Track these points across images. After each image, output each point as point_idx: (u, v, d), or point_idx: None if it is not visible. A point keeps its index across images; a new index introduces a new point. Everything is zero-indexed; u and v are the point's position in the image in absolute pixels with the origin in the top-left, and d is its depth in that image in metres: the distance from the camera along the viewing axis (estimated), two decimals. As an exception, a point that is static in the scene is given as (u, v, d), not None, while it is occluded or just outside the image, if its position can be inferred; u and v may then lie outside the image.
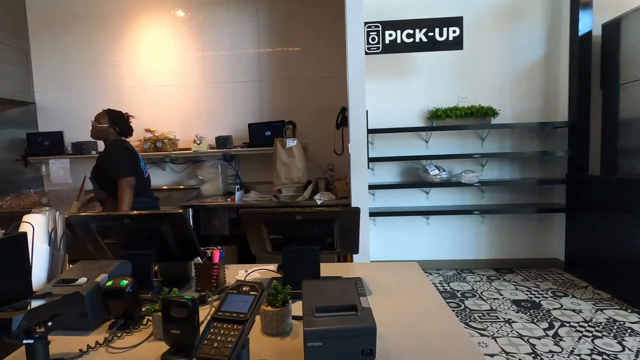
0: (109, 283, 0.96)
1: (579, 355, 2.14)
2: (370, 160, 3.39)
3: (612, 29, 3.09)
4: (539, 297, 2.94)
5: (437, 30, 3.19)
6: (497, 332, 2.43)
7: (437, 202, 3.67)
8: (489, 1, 3.48)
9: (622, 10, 2.96)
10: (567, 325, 2.49)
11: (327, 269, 1.25)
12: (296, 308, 0.97)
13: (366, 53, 3.15)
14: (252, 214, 1.17)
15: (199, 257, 1.24)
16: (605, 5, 3.20)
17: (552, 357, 2.13)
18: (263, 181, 3.60)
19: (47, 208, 1.17)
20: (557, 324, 2.51)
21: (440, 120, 3.52)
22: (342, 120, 3.17)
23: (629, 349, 2.18)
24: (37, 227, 1.07)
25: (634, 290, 2.71)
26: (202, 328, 0.70)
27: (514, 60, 3.53)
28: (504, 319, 2.61)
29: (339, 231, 1.16)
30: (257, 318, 0.95)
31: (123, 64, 3.72)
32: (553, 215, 3.59)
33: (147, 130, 3.57)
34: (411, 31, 3.20)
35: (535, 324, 2.52)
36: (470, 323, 2.56)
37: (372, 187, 3.42)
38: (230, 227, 3.15)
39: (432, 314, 1.01)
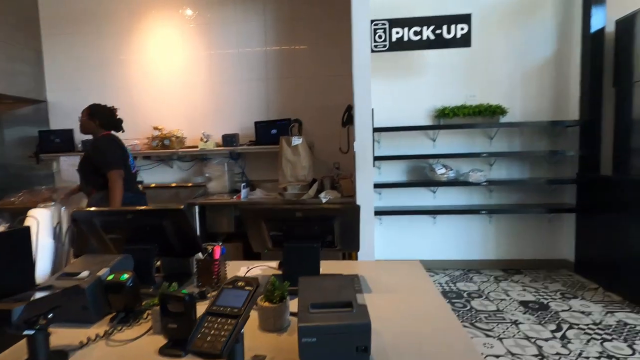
0: (110, 277, 0.98)
1: (587, 358, 2.10)
2: (377, 158, 3.38)
3: (626, 25, 3.02)
4: (547, 299, 2.89)
5: (444, 27, 3.15)
6: (503, 333, 2.40)
7: (444, 202, 3.63)
8: (499, -2, 3.43)
9: (636, 6, 2.88)
10: (576, 327, 2.45)
11: (329, 267, 1.25)
12: (294, 305, 0.96)
13: (372, 51, 3.13)
14: (252, 210, 1.18)
15: (200, 253, 1.24)
16: (619, 1, 3.12)
17: (559, 359, 2.10)
18: (269, 179, 3.60)
19: (53, 203, 1.19)
20: (565, 326, 2.46)
21: (448, 118, 3.48)
22: (348, 119, 3.16)
23: (640, 353, 2.13)
24: (41, 221, 1.09)
25: (646, 293, 2.65)
26: (197, 322, 0.71)
27: (524, 58, 3.47)
28: (511, 320, 2.57)
29: (339, 228, 1.15)
30: (255, 314, 0.96)
31: (132, 63, 3.77)
32: (563, 216, 3.52)
33: (155, 128, 3.60)
34: (418, 28, 3.17)
35: (543, 326, 2.47)
36: (475, 324, 2.53)
37: (378, 185, 3.41)
38: (236, 224, 3.17)
39: (431, 313, 1.00)
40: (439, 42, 3.19)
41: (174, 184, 3.80)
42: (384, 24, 3.16)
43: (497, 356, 2.14)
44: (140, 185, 3.52)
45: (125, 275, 0.97)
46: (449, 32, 3.15)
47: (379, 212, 3.41)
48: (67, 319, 0.96)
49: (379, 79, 3.48)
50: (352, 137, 2.85)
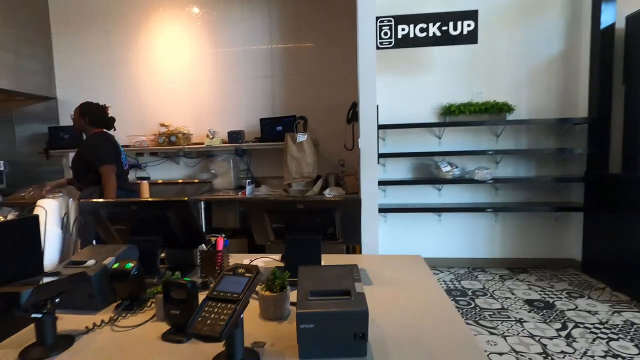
0: (116, 265, 1.00)
1: (592, 357, 2.08)
2: (382, 156, 3.37)
3: (637, 21, 2.97)
4: (553, 298, 2.87)
5: (451, 24, 3.13)
6: (507, 331, 2.38)
7: (449, 199, 3.62)
8: (506, -6, 3.39)
9: (647, 1, 2.83)
10: (582, 326, 2.42)
11: (330, 260, 1.26)
12: (296, 295, 0.98)
13: (378, 48, 3.12)
14: (255, 202, 1.19)
15: (204, 245, 1.26)
16: (630, -4, 3.07)
17: (563, 357, 2.08)
18: (274, 176, 3.62)
19: (61, 194, 1.22)
20: (570, 325, 2.44)
21: (454, 116, 3.46)
22: (353, 116, 3.16)
23: (646, 352, 2.11)
24: (50, 211, 1.12)
25: (654, 293, 2.61)
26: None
27: (532, 55, 3.43)
28: (515, 318, 2.56)
29: (340, 221, 1.16)
30: (256, 303, 0.97)
31: (139, 61, 3.82)
32: (570, 215, 3.48)
33: (162, 125, 3.65)
34: (424, 25, 3.16)
35: (548, 324, 2.46)
36: (479, 321, 2.52)
37: (383, 183, 3.41)
38: (241, 220, 3.20)
39: (431, 306, 1.00)
40: (445, 39, 3.17)
41: (180, 180, 3.84)
42: (389, 21, 3.16)
43: (501, 354, 2.13)
44: (146, 181, 3.58)
45: (130, 264, 0.99)
46: (455, 28, 3.13)
47: (383, 210, 3.41)
48: (74, 306, 0.99)
49: (385, 76, 3.48)
50: (356, 134, 2.86)
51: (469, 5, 3.24)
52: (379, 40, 3.16)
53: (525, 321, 2.51)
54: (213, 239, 1.23)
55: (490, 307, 2.73)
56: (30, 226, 0.94)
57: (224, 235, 1.24)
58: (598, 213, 3.20)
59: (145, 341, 0.84)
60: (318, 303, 0.73)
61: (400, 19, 3.16)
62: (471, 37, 3.14)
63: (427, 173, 3.60)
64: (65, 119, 3.95)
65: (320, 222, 1.17)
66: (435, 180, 3.48)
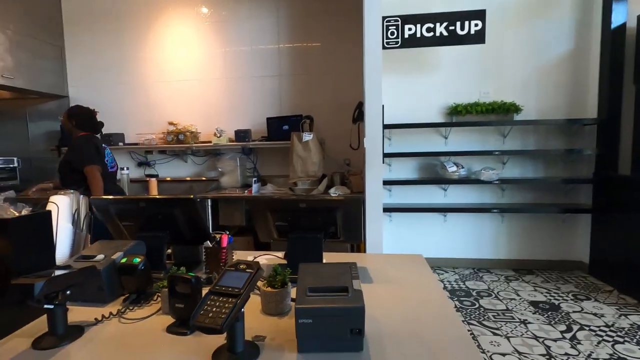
0: (124, 260, 1.04)
1: (596, 359, 2.07)
2: (387, 155, 3.38)
3: (649, 20, 2.92)
4: (558, 300, 2.85)
5: (458, 23, 3.12)
6: (511, 332, 2.38)
7: (455, 200, 3.61)
8: (515, -7, 3.37)
9: (659, 0, 2.79)
10: (587, 328, 2.41)
11: (332, 258, 1.28)
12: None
13: (384, 47, 3.13)
14: (259, 201, 1.22)
15: (209, 242, 1.30)
16: (642, -5, 3.03)
17: (567, 359, 2.07)
18: (280, 174, 3.66)
19: (72, 191, 1.26)
20: (575, 327, 2.43)
21: (460, 116, 3.45)
22: (359, 115, 3.17)
23: (652, 356, 2.09)
24: (61, 207, 1.16)
25: (662, 297, 2.58)
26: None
27: (541, 54, 3.40)
28: (520, 319, 2.55)
29: (341, 220, 1.18)
30: (258, 299, 1.00)
31: (149, 60, 3.88)
32: (578, 216, 3.45)
33: (170, 123, 3.70)
34: (431, 25, 3.15)
35: (552, 326, 2.44)
36: (483, 322, 2.52)
37: (389, 182, 3.42)
38: (247, 218, 3.23)
39: (429, 304, 1.02)
40: (453, 39, 3.16)
41: (187, 178, 3.90)
42: (396, 21, 3.16)
43: (504, 354, 2.13)
44: (155, 179, 3.64)
45: (138, 259, 1.03)
46: (462, 28, 3.12)
47: (388, 209, 3.42)
48: (84, 298, 1.03)
49: (392, 76, 3.48)
50: (362, 133, 2.87)
51: (476, 4, 3.23)
52: (385, 40, 3.16)
53: (529, 322, 2.50)
54: (218, 236, 1.27)
55: (494, 308, 2.72)
56: (43, 221, 0.98)
57: (228, 233, 1.27)
58: (606, 215, 3.17)
59: (151, 333, 0.88)
60: (316, 299, 0.75)
61: (407, 19, 3.16)
62: (479, 37, 3.12)
63: (432, 173, 3.60)
64: (77, 117, 4.04)
65: (322, 221, 1.19)
66: (441, 180, 3.47)
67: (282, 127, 3.42)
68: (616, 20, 3.09)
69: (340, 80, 3.59)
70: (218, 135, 3.56)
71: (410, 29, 3.17)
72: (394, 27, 3.17)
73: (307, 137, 3.13)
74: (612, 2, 3.09)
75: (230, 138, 3.60)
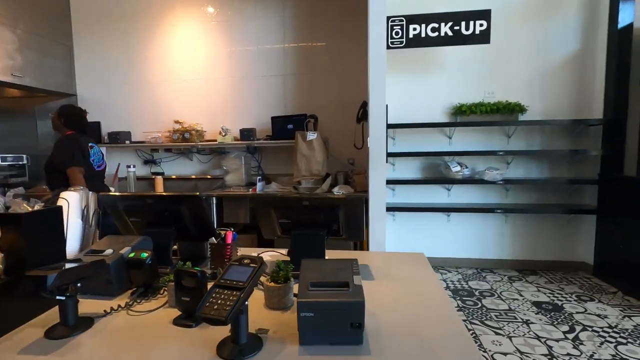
0: (132, 255, 1.07)
1: (598, 360, 2.07)
2: (391, 155, 3.39)
3: (656, 20, 2.90)
4: (562, 300, 2.85)
5: (463, 23, 3.12)
6: (513, 332, 2.39)
7: (458, 200, 3.61)
8: (521, -8, 3.36)
9: (666, 1, 2.77)
10: (590, 329, 2.41)
11: (334, 256, 1.30)
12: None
13: (389, 47, 3.14)
14: (263, 198, 1.24)
15: (214, 238, 1.33)
16: (649, -5, 3.00)
17: (569, 359, 2.08)
18: (284, 173, 3.68)
19: (81, 187, 1.29)
20: (578, 328, 2.42)
21: (465, 116, 3.45)
22: (363, 115, 3.19)
23: (655, 358, 2.08)
24: (71, 203, 1.20)
25: (666, 298, 2.57)
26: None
27: (546, 55, 3.39)
28: (522, 319, 2.55)
29: (344, 218, 1.21)
30: (261, 293, 1.03)
31: (156, 59, 3.92)
32: (582, 217, 3.44)
33: (176, 122, 3.75)
34: (436, 25, 3.15)
35: (555, 327, 2.45)
36: (485, 321, 2.53)
37: (392, 182, 3.43)
38: (251, 216, 3.26)
39: (429, 301, 1.04)
40: (457, 39, 3.16)
41: (193, 176, 3.94)
42: (401, 21, 3.16)
43: (505, 354, 2.14)
44: (160, 176, 3.69)
45: (145, 254, 1.06)
46: (467, 28, 3.12)
47: (392, 208, 3.43)
48: (93, 291, 1.06)
49: (396, 76, 3.49)
50: (366, 133, 2.89)
51: (481, 4, 3.22)
52: (390, 40, 3.17)
53: (532, 323, 2.50)
54: (222, 232, 1.29)
55: (497, 308, 2.73)
56: (55, 216, 1.02)
57: (232, 230, 1.30)
58: (612, 216, 3.15)
59: (158, 325, 0.91)
60: (318, 293, 0.78)
61: (412, 19, 3.16)
62: (484, 37, 3.12)
63: (436, 173, 3.61)
64: (85, 115, 4.10)
65: (324, 219, 1.22)
66: (444, 180, 3.48)
67: (286, 126, 3.44)
68: (623, 20, 3.07)
69: (345, 79, 3.61)
70: (223, 134, 3.59)
71: (415, 29, 3.17)
72: (399, 27, 3.18)
73: (312, 136, 3.15)
74: (619, 2, 3.07)
75: (235, 137, 3.63)
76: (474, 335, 2.35)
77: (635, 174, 3.07)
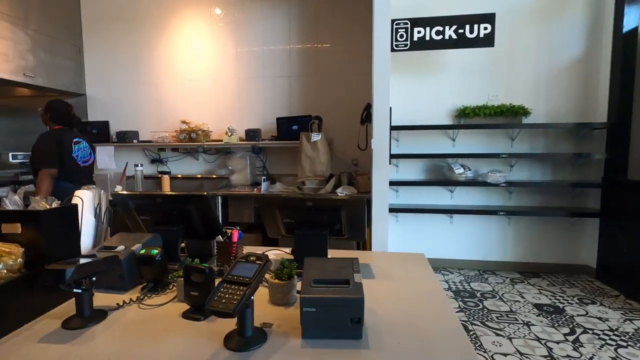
0: (142, 251, 1.12)
1: (598, 362, 2.09)
2: (395, 156, 3.43)
3: (661, 24, 2.91)
4: (563, 303, 2.86)
5: (467, 27, 3.14)
6: (513, 333, 2.41)
7: (461, 201, 3.63)
8: (526, -4, 3.37)
9: (672, 5, 2.77)
10: (590, 332, 2.42)
11: (336, 255, 1.34)
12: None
13: (393, 50, 3.17)
14: (268, 199, 1.29)
15: (220, 236, 1.37)
16: (654, 0, 3.01)
17: (568, 361, 2.10)
18: (289, 173, 3.73)
19: (94, 186, 1.35)
20: (579, 330, 2.44)
21: (468, 118, 3.47)
22: (367, 117, 3.23)
23: (655, 361, 2.10)
24: (85, 201, 1.25)
25: (668, 302, 2.57)
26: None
27: (551, 58, 3.40)
28: (523, 321, 2.57)
29: (346, 218, 1.25)
30: (266, 290, 1.07)
31: (163, 59, 3.98)
32: (586, 220, 3.44)
33: (183, 122, 3.81)
34: (440, 28, 3.18)
35: (556, 329, 2.46)
36: (486, 322, 2.55)
37: (396, 183, 3.46)
38: (256, 215, 3.31)
39: (427, 300, 1.07)
40: (462, 42, 3.18)
41: (199, 175, 4.00)
42: (405, 24, 3.20)
43: (505, 354, 2.17)
44: (167, 175, 3.75)
45: (155, 251, 1.11)
46: (471, 31, 3.14)
47: (395, 210, 3.47)
48: (105, 286, 1.11)
49: (400, 77, 3.52)
50: (370, 134, 2.92)
51: (486, 7, 3.24)
52: (394, 43, 3.20)
53: (532, 324, 2.52)
54: (229, 231, 1.34)
55: (498, 310, 2.75)
56: (71, 213, 1.07)
57: (238, 228, 1.34)
58: (615, 219, 3.16)
59: (168, 318, 0.96)
60: (320, 290, 0.82)
61: (417, 22, 3.19)
62: (488, 40, 3.14)
63: (439, 175, 3.63)
64: (93, 115, 4.18)
65: (327, 219, 1.26)
66: (447, 182, 3.50)
67: (291, 127, 3.49)
68: (628, 24, 3.08)
69: (349, 81, 3.65)
70: (229, 134, 3.65)
71: (419, 32, 3.20)
72: (403, 30, 3.21)
73: (316, 137, 3.19)
74: (624, 6, 3.08)
75: (240, 137, 3.69)
76: (474, 335, 2.38)
77: (639, 178, 3.08)
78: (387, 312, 0.97)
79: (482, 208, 3.50)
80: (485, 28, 3.12)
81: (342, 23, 3.63)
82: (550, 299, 2.93)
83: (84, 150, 2.63)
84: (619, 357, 2.14)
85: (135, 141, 3.89)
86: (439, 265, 3.70)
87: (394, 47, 3.20)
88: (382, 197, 2.78)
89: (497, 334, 2.39)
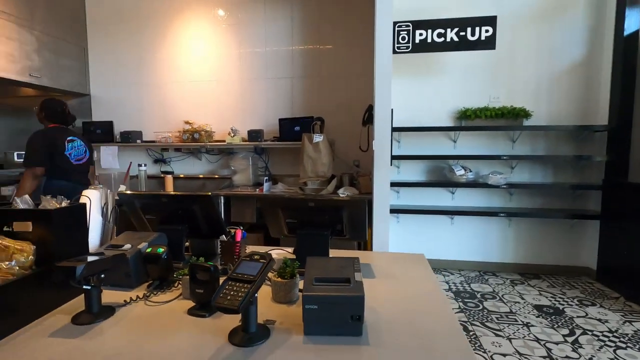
0: (149, 250, 1.15)
1: (596, 363, 2.11)
2: (396, 158, 3.45)
3: (662, 28, 2.92)
4: (563, 304, 2.88)
5: (469, 29, 3.16)
6: (513, 334, 2.43)
7: (462, 203, 3.65)
8: (527, -1, 3.39)
9: (672, 9, 2.78)
10: (590, 333, 2.44)
11: (338, 254, 1.37)
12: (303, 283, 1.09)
13: (395, 52, 3.19)
14: (271, 199, 1.31)
15: (224, 236, 1.40)
16: (655, 3, 3.02)
17: (567, 362, 2.12)
18: (291, 174, 3.76)
19: (101, 186, 1.38)
20: (578, 332, 2.46)
21: (470, 120, 3.49)
22: (369, 118, 3.25)
23: (653, 362, 2.11)
24: (93, 200, 1.28)
25: (668, 304, 2.59)
26: (220, 287, 0.85)
27: (552, 60, 3.42)
28: (523, 322, 2.59)
29: (347, 219, 1.27)
30: (269, 288, 1.10)
31: (166, 60, 4.02)
32: (586, 222, 3.46)
33: (186, 122, 3.84)
34: (442, 30, 3.20)
35: (555, 330, 2.48)
36: (486, 323, 2.57)
37: (397, 184, 3.48)
38: (258, 215, 3.34)
39: (426, 299, 1.10)
40: (463, 45, 3.21)
41: (201, 175, 4.03)
42: (407, 26, 3.22)
43: (504, 355, 2.19)
44: (170, 175, 3.78)
45: (161, 249, 1.14)
46: (473, 34, 3.16)
47: (396, 210, 3.49)
48: (112, 283, 1.14)
49: (402, 79, 3.54)
50: (371, 136, 2.95)
51: (488, 10, 3.27)
52: (396, 45, 3.23)
53: (532, 325, 2.54)
54: (232, 230, 1.37)
55: (498, 310, 2.77)
56: (79, 212, 1.10)
57: (242, 228, 1.37)
58: (615, 222, 3.17)
59: (174, 315, 0.98)
60: (321, 288, 0.85)
61: (418, 24, 3.22)
62: (489, 43, 3.16)
63: (441, 176, 3.65)
64: (97, 115, 4.22)
65: (329, 219, 1.28)
66: (448, 183, 3.53)
67: (293, 128, 3.52)
68: (629, 27, 3.10)
69: (351, 82, 3.67)
70: (232, 134, 3.68)
71: (421, 34, 3.22)
72: (405, 32, 3.23)
73: (318, 138, 3.22)
74: (626, 9, 3.09)
75: (243, 138, 3.72)
76: (474, 336, 2.40)
77: None
78: (387, 311, 1.00)
79: (483, 209, 3.52)
80: (487, 31, 3.14)
81: (345, 25, 3.66)
82: (550, 301, 2.94)
83: (78, 148, 2.64)
84: (617, 358, 2.15)
85: (138, 141, 3.92)
86: (440, 266, 3.72)
87: (396, 49, 3.23)
88: (383, 198, 2.80)
89: (497, 335, 2.41)
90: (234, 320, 0.88)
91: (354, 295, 0.82)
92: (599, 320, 2.62)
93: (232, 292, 0.78)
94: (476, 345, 2.29)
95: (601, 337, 2.38)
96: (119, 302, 1.04)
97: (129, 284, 1.14)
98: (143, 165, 3.69)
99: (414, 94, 3.61)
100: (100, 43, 4.14)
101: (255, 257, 0.88)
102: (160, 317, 0.97)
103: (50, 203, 1.05)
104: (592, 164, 3.43)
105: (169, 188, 3.70)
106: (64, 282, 0.88)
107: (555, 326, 2.53)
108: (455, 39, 3.19)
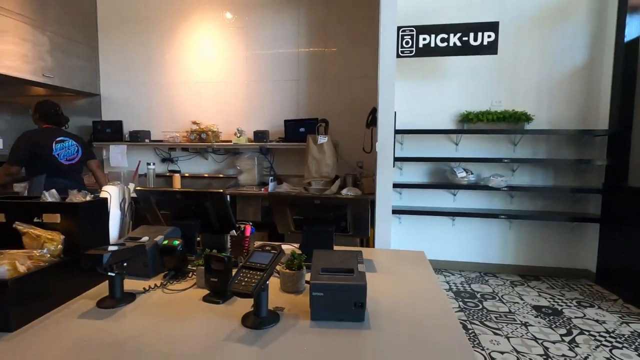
0: (165, 242, 1.23)
1: (592, 361, 2.16)
2: (399, 159, 3.52)
3: (662, 35, 2.97)
4: (561, 305, 2.93)
5: (471, 35, 3.23)
6: (511, 332, 2.49)
7: (464, 205, 3.71)
8: (530, 5, 3.45)
9: (672, 16, 2.84)
10: (587, 333, 2.49)
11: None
12: (309, 275, 1.17)
13: (399, 56, 3.27)
14: (279, 196, 1.39)
15: (234, 231, 1.48)
16: (656, 10, 3.07)
17: (563, 360, 2.17)
18: (295, 174, 3.83)
19: (118, 182, 1.46)
20: (575, 332, 2.51)
21: (472, 123, 3.56)
22: (372, 120, 3.32)
23: (648, 361, 2.16)
24: (112, 195, 1.36)
25: (664, 306, 2.63)
26: (234, 275, 0.92)
27: (554, 65, 3.48)
28: (521, 322, 2.65)
29: (351, 216, 1.35)
30: (278, 280, 1.17)
31: (175, 62, 4.11)
32: (586, 225, 3.50)
33: (194, 123, 3.93)
34: (445, 35, 3.27)
35: (553, 330, 2.54)
36: (485, 322, 2.63)
37: (399, 185, 3.55)
38: (263, 214, 3.42)
39: (424, 292, 1.17)
40: (466, 49, 3.27)
41: (207, 175, 4.12)
42: (411, 31, 3.29)
43: (502, 352, 2.25)
44: (177, 174, 3.87)
45: (177, 242, 1.22)
46: (475, 39, 3.22)
47: (398, 211, 3.55)
48: (131, 273, 1.21)
49: (405, 83, 3.61)
50: (375, 138, 3.02)
51: (490, 15, 3.33)
52: (400, 49, 3.30)
53: (530, 325, 2.59)
54: (242, 226, 1.45)
55: (497, 310, 2.83)
56: (102, 206, 1.18)
57: (251, 224, 1.45)
58: (615, 225, 3.22)
59: (190, 301, 1.06)
60: (327, 277, 0.92)
61: (422, 29, 3.29)
62: (491, 48, 3.22)
63: (442, 178, 3.72)
64: (107, 114, 4.32)
65: (333, 216, 1.36)
66: (450, 185, 3.59)
67: (298, 129, 3.59)
68: (630, 33, 3.15)
69: (355, 84, 3.75)
70: (238, 135, 3.76)
71: (424, 39, 3.29)
72: (409, 37, 3.30)
73: (322, 139, 3.30)
74: (627, 16, 3.15)
75: (249, 138, 3.80)
76: (473, 334, 2.46)
77: (639, 184, 3.14)
78: (388, 301, 1.07)
79: (484, 211, 3.58)
80: (489, 36, 3.20)
81: (350, 29, 3.73)
82: (549, 301, 3.00)
83: (69, 148, 2.65)
84: (613, 358, 2.20)
85: (147, 140, 4.01)
86: (441, 267, 3.78)
87: (400, 53, 3.30)
88: (385, 198, 2.87)
89: (495, 333, 2.47)
90: (246, 306, 0.96)
91: (357, 284, 0.90)
92: (597, 321, 2.67)
93: (246, 279, 0.85)
94: (475, 343, 2.35)
95: (598, 337, 2.44)
96: (139, 289, 1.12)
97: (146, 274, 1.22)
98: (152, 164, 3.78)
99: (417, 97, 3.68)
100: (110, 44, 4.23)
101: (267, 248, 0.96)
102: (177, 303, 1.05)
103: (76, 197, 1.13)
104: (592, 167, 3.48)
105: (177, 186, 3.79)
106: (91, 268, 0.96)
107: (553, 326, 2.58)
108: (458, 43, 3.25)
